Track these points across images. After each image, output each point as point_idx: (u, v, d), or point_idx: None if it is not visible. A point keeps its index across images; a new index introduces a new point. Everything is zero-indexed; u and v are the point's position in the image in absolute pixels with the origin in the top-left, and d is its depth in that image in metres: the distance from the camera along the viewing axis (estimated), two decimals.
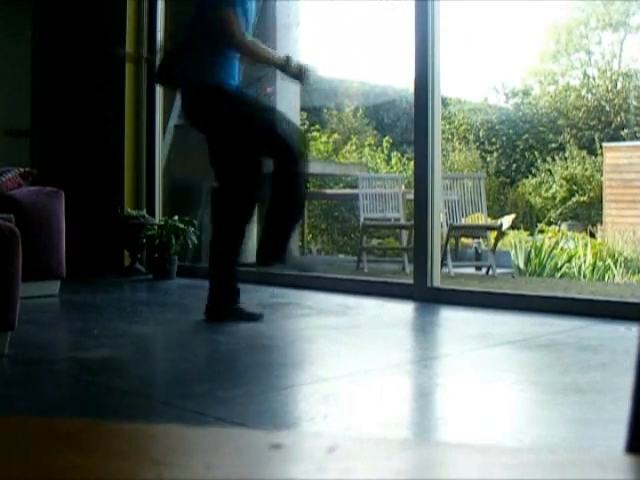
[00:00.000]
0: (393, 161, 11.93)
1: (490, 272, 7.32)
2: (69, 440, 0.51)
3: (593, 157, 12.41)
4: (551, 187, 12.60)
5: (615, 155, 11.08)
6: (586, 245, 8.32)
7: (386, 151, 12.17)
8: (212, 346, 3.35)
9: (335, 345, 3.43)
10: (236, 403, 2.39)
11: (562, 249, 8.33)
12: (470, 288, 5.30)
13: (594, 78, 13.86)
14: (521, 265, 8.14)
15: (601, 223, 10.71)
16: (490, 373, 3.02)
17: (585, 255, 8.01)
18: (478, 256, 8.10)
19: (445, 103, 12.94)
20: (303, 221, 9.05)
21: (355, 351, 3.30)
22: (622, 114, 12.77)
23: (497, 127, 13.72)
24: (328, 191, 10.55)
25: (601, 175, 11.56)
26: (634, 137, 12.03)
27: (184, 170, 7.18)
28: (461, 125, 13.58)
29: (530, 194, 12.89)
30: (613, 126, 12.76)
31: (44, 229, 4.61)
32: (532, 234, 10.00)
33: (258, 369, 2.94)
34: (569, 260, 8.02)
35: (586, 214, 11.90)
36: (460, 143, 13.18)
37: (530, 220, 12.06)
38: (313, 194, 10.36)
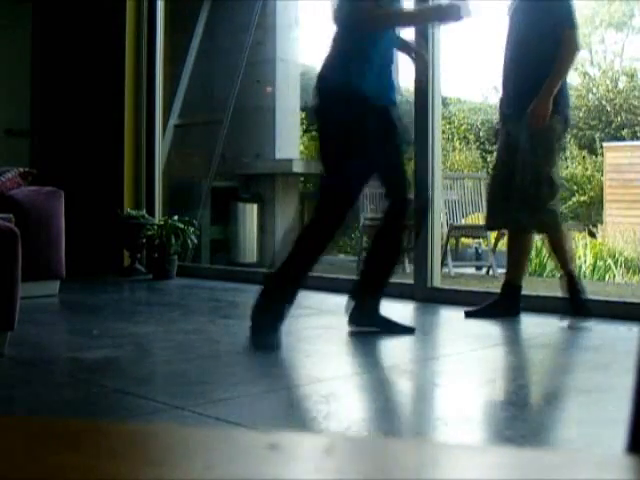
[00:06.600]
0: None
1: (490, 272, 7.32)
2: (69, 440, 0.51)
3: (593, 157, 12.39)
4: None
5: (616, 155, 11.06)
6: (586, 245, 8.32)
7: None
8: (211, 346, 3.34)
9: (335, 345, 3.43)
10: (235, 403, 2.39)
11: None
12: (470, 288, 5.30)
13: (595, 78, 13.85)
14: None
15: (601, 223, 10.69)
16: (490, 373, 3.02)
17: (585, 255, 8.01)
18: (478, 256, 8.09)
19: (445, 103, 12.94)
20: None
21: (355, 351, 3.30)
22: (623, 114, 12.77)
23: (497, 127, 13.71)
24: None
25: (601, 175, 11.54)
26: (635, 137, 12.02)
27: (184, 170, 7.18)
28: (461, 125, 13.57)
29: None
30: (614, 126, 12.76)
31: (44, 229, 4.61)
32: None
33: (257, 369, 2.94)
34: None
35: (586, 214, 11.88)
36: (460, 143, 13.17)
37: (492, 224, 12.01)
38: (313, 194, 10.35)
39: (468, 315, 4.00)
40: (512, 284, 4.05)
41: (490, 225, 4.41)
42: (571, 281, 3.87)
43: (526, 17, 3.90)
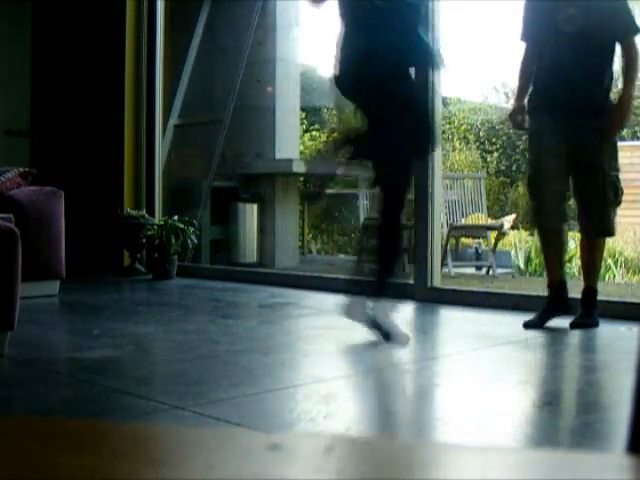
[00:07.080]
0: None
1: (490, 272, 7.32)
2: (69, 440, 0.51)
3: None
4: None
5: None
6: None
7: None
8: (211, 346, 3.34)
9: (335, 345, 3.43)
10: (235, 403, 2.39)
11: None
12: (470, 288, 5.30)
13: None
14: (521, 265, 8.13)
15: None
16: (490, 373, 3.02)
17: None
18: (478, 256, 8.09)
19: (445, 103, 12.93)
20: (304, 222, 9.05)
21: (355, 351, 3.30)
22: None
23: (497, 127, 13.71)
24: (328, 191, 10.55)
25: None
26: (635, 137, 12.01)
27: (184, 170, 7.18)
28: (461, 125, 13.57)
29: None
30: None
31: (44, 229, 4.61)
32: (532, 234, 9.98)
33: (257, 369, 2.94)
34: (569, 260, 8.01)
35: None
36: (460, 143, 13.17)
37: (530, 220, 12.00)
38: (313, 194, 10.35)
39: (528, 326, 3.75)
40: (555, 282, 3.88)
41: (542, 221, 3.98)
42: (594, 296, 3.79)
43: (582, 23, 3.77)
